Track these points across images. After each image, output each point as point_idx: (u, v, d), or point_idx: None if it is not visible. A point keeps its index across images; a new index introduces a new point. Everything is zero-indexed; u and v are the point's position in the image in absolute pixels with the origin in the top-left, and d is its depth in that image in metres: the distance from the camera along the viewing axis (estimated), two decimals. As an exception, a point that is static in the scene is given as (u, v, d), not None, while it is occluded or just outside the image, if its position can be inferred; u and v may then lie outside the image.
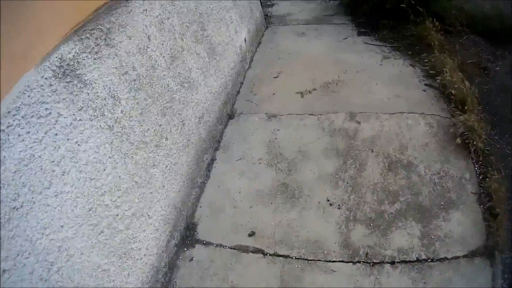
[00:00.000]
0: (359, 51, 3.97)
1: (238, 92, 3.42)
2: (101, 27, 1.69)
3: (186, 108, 2.46)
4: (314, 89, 3.33)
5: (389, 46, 4.11)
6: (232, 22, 3.44)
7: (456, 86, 3.06)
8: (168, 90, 2.24)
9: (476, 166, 2.62)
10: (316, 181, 2.59)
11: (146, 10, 2.05)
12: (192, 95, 2.54)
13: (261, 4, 4.89)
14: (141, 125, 1.99)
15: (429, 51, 3.84)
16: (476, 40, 4.15)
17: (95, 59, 1.64)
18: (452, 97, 3.05)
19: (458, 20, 4.18)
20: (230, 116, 3.15)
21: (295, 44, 4.19)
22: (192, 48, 2.58)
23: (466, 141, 2.65)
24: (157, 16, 2.17)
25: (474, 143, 2.63)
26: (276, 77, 3.58)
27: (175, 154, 2.32)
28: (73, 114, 1.52)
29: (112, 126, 1.77)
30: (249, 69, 3.79)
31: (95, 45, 1.65)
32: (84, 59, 1.58)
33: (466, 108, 2.88)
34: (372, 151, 2.75)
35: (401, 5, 4.07)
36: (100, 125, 1.69)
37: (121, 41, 1.83)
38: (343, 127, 2.94)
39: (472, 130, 2.67)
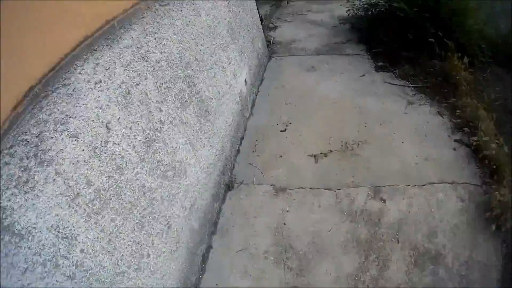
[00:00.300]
0: (379, 93, 3.50)
1: (238, 151, 2.91)
2: (26, 138, 1.15)
3: (172, 204, 1.95)
4: (330, 151, 2.85)
5: (412, 87, 3.66)
6: (230, 63, 2.92)
7: (493, 151, 2.72)
8: (144, 193, 1.72)
9: (504, 245, 2.33)
10: (332, 284, 2.15)
11: (100, 81, 1.47)
12: (180, 183, 2.03)
13: (262, 27, 4.34)
14: (112, 255, 1.50)
15: (457, 94, 3.47)
16: (499, 74, 3.92)
17: (26, 192, 1.14)
18: (486, 161, 2.72)
19: (480, 50, 3.88)
20: (229, 187, 2.66)
21: (304, 82, 3.68)
22: (176, 117, 2.03)
23: (498, 223, 2.37)
24: (120, 86, 1.58)
25: (507, 225, 2.36)
26: (283, 131, 3.08)
27: (161, 267, 1.84)
28: (19, 280, 1.08)
29: (73, 274, 1.31)
30: (251, 117, 3.28)
31: (22, 171, 1.13)
32: (10, 200, 1.08)
33: (500, 176, 2.59)
34: (398, 242, 2.34)
35: (429, 40, 3.59)
36: (56, 281, 1.22)
37: (62, 148, 1.28)
38: (366, 208, 2.49)
39: (506, 208, 2.38)
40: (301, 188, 2.62)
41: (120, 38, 1.60)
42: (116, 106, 1.54)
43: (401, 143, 2.95)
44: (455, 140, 3.01)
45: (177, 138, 1.99)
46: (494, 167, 2.65)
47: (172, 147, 1.94)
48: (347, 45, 4.38)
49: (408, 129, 3.09)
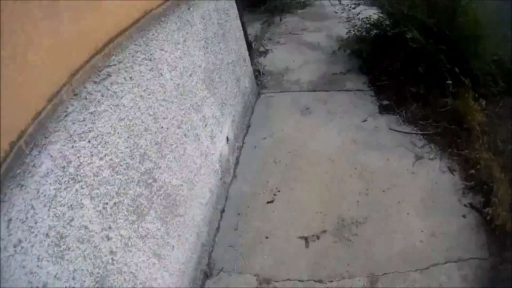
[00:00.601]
0: (383, 145, 3.44)
1: (218, 228, 2.84)
2: None
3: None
4: (324, 231, 2.78)
5: (420, 134, 3.58)
6: (206, 125, 2.78)
7: (505, 223, 2.68)
8: None
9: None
10: None
11: (19, 242, 1.22)
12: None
13: (251, 53, 4.20)
14: None
15: (470, 144, 3.38)
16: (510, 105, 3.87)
17: None
18: (497, 233, 2.69)
19: (492, 79, 3.82)
20: (207, 274, 2.58)
21: (297, 131, 3.60)
22: (132, 235, 1.81)
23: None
24: (47, 234, 1.33)
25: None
26: (270, 202, 3.00)
27: None
28: None
29: None
30: (234, 181, 3.19)
31: None
32: None
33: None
34: None
35: (447, 82, 3.50)
36: None
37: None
38: (361, 305, 2.40)
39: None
40: (289, 280, 2.54)
41: (34, 165, 1.28)
42: (49, 261, 1.33)
43: (406, 215, 2.88)
44: (465, 205, 2.94)
45: (137, 259, 1.88)
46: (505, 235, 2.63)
47: (131, 272, 1.84)
48: (347, 76, 4.26)
49: (415, 194, 3.01)
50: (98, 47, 1.62)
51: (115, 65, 1.74)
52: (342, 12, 5.44)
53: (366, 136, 3.51)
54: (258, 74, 4.31)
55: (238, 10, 3.95)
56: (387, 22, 4.42)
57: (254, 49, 4.73)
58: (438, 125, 3.64)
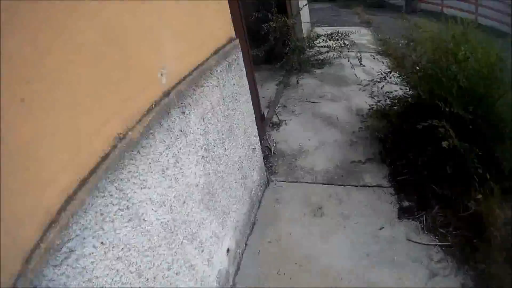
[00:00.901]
0: (398, 261, 3.53)
1: None
2: None
3: None
4: None
5: (439, 245, 3.68)
6: (203, 251, 2.68)
7: None
8: None
9: None
10: None
11: None
12: None
13: (262, 125, 4.32)
14: None
15: (489, 254, 3.43)
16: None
17: None
18: None
19: None
20: None
21: (306, 237, 3.71)
22: None
23: None
24: None
25: None
26: (271, 326, 3.11)
27: None
28: None
29: None
30: (232, 294, 3.30)
31: None
32: None
33: None
34: None
35: (477, 197, 3.63)
36: None
37: None
38: None
39: None
40: None
41: None
42: None
43: None
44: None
45: None
46: None
47: None
48: (366, 166, 4.38)
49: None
50: (52, 217, 1.40)
51: (78, 235, 1.51)
52: (366, 85, 5.44)
53: (381, 249, 3.60)
54: (268, 153, 4.45)
55: (251, 84, 4.05)
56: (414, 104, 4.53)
57: (266, 119, 4.89)
58: (458, 234, 3.75)
